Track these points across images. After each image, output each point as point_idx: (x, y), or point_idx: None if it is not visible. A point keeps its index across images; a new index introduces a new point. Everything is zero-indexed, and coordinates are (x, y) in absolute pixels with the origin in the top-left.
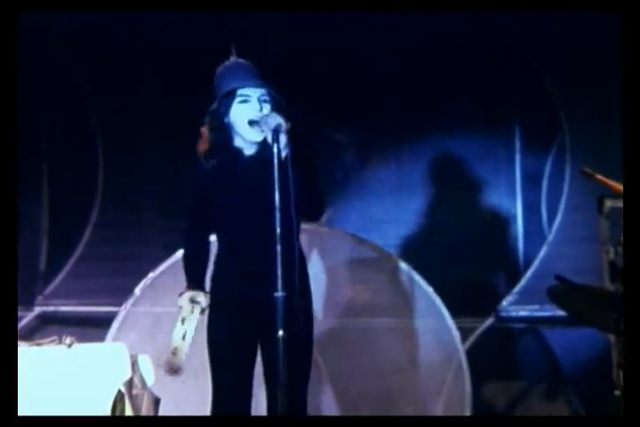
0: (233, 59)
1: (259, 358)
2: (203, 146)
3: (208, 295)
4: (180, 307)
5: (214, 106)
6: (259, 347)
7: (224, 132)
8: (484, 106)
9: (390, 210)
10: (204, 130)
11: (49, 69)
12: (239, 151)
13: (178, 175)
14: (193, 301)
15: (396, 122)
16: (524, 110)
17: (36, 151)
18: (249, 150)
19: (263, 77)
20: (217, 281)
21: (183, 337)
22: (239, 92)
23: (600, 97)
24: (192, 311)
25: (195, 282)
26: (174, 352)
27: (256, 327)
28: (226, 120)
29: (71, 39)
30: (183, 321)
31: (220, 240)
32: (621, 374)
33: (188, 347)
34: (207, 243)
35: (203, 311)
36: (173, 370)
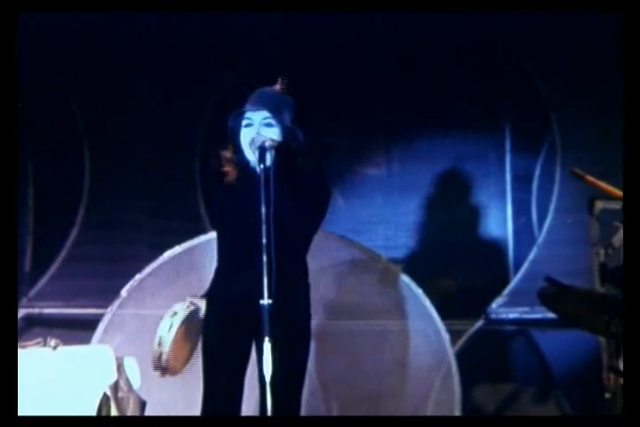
0: (264, 87)
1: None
2: (228, 168)
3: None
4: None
5: (228, 125)
6: (253, 348)
7: (240, 152)
8: (476, 106)
9: (380, 211)
10: (227, 153)
11: (48, 69)
12: (254, 171)
13: (167, 175)
14: (191, 302)
15: (387, 122)
16: (516, 110)
17: (21, 151)
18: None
19: (281, 104)
20: (214, 282)
21: (169, 329)
22: (245, 115)
23: (592, 98)
24: (186, 307)
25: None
26: (159, 343)
27: (250, 329)
28: (238, 143)
29: (71, 39)
30: (174, 314)
31: (220, 242)
32: (612, 376)
33: (170, 342)
34: None
35: (196, 312)
36: (160, 366)
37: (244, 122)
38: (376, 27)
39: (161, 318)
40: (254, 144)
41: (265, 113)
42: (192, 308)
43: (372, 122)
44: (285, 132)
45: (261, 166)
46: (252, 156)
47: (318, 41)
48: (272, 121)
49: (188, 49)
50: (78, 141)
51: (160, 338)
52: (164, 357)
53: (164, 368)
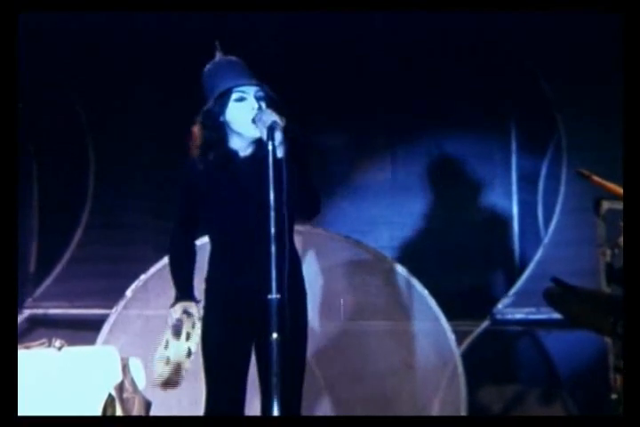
0: (220, 56)
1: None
2: (195, 144)
3: (199, 305)
4: (179, 320)
5: (208, 105)
6: (253, 348)
7: (219, 131)
8: (481, 106)
9: (385, 211)
10: (196, 129)
11: (48, 69)
12: (234, 152)
13: (170, 176)
14: (188, 313)
15: (391, 122)
16: (521, 111)
17: (25, 152)
18: (244, 151)
19: (255, 74)
20: (211, 282)
21: (188, 354)
22: (235, 89)
23: (597, 98)
24: (193, 326)
25: (185, 292)
26: (177, 369)
27: (251, 328)
28: (221, 119)
29: (71, 39)
30: (188, 337)
31: (212, 240)
32: (618, 377)
33: (190, 364)
34: (193, 246)
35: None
36: (171, 385)
37: (235, 96)
38: (376, 27)
39: (165, 318)
40: (263, 123)
41: (255, 87)
42: (198, 323)
43: (374, 122)
44: (272, 101)
45: (270, 147)
46: (252, 131)
47: (318, 41)
48: (262, 93)
49: (188, 49)
50: (82, 142)
51: (179, 365)
52: (181, 380)
53: (174, 387)
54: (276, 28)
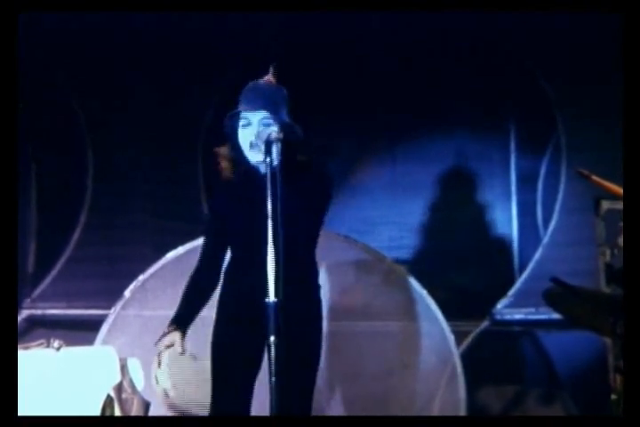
0: (264, 79)
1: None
2: (224, 164)
3: (185, 336)
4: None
5: (224, 125)
6: (265, 348)
7: (239, 151)
8: (480, 106)
9: (384, 211)
10: (223, 149)
11: (48, 69)
12: (256, 169)
13: (170, 176)
14: (169, 346)
15: (390, 122)
16: (520, 111)
17: (23, 151)
18: (264, 168)
19: (277, 100)
20: (226, 280)
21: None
22: (242, 115)
23: (597, 97)
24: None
25: (181, 321)
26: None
27: (260, 329)
28: (236, 142)
29: (71, 39)
30: (157, 380)
31: (232, 243)
32: (618, 377)
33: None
34: (217, 276)
35: (182, 352)
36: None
37: (242, 122)
38: (376, 27)
39: (164, 318)
40: (260, 138)
41: (263, 113)
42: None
43: (374, 122)
44: (284, 129)
45: (268, 160)
46: (252, 155)
47: (318, 41)
48: (270, 120)
49: (188, 49)
50: (81, 142)
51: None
52: (171, 393)
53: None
54: (276, 28)
